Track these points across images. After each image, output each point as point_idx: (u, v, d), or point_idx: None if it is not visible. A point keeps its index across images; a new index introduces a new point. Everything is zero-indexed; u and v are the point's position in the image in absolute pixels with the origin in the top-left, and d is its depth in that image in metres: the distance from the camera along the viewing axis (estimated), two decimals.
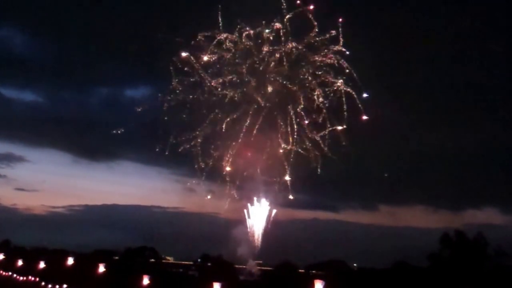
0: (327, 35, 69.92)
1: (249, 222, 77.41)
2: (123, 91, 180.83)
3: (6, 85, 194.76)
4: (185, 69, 71.59)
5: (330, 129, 70.92)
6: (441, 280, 57.46)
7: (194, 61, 71.19)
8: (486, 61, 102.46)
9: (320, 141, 71.40)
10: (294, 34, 70.82)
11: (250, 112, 71.86)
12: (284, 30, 70.33)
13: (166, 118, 72.01)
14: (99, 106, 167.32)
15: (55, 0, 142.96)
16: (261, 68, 72.17)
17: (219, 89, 72.21)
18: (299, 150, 72.16)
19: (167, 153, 72.60)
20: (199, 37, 70.46)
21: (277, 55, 71.54)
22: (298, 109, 71.65)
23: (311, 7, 69.05)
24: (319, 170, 71.83)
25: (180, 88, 71.83)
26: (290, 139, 71.92)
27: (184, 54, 70.49)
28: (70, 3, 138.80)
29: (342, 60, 69.90)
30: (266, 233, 78.11)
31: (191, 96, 72.29)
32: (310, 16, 69.51)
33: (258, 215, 77.22)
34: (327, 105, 71.19)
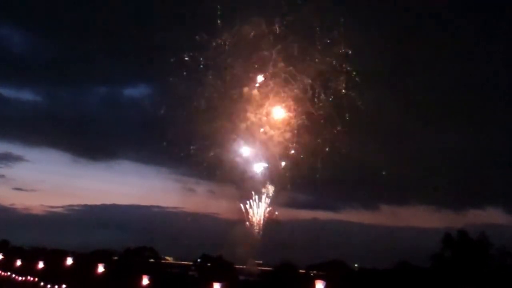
0: (328, 40, 69.33)
1: (249, 223, 77.04)
2: (122, 90, 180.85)
3: (5, 84, 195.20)
4: (185, 69, 71.08)
5: (331, 129, 70.43)
6: (443, 281, 57.14)
7: (194, 61, 70.71)
8: (488, 61, 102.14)
9: (320, 141, 70.98)
10: (295, 34, 70.28)
11: (249, 113, 71.47)
12: (284, 31, 69.74)
13: (165, 117, 71.54)
14: (98, 106, 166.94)
15: (55, 0, 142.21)
16: (260, 70, 71.63)
17: (217, 92, 71.70)
18: (300, 149, 71.75)
19: (166, 154, 72.24)
20: (198, 37, 69.94)
21: (278, 56, 71.03)
22: (298, 110, 71.21)
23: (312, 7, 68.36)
24: (319, 170, 71.34)
25: (179, 88, 71.33)
26: (291, 139, 71.52)
27: (183, 54, 69.97)
28: (69, 2, 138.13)
29: (344, 64, 69.36)
30: (266, 233, 77.77)
31: (190, 96, 71.80)
32: (311, 16, 68.89)
33: (258, 215, 76.84)
34: (328, 105, 70.69)
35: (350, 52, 68.68)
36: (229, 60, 71.07)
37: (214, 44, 70.07)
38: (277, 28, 69.22)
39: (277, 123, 71.94)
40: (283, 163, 72.75)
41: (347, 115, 69.32)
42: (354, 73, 68.29)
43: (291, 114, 71.13)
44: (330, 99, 70.06)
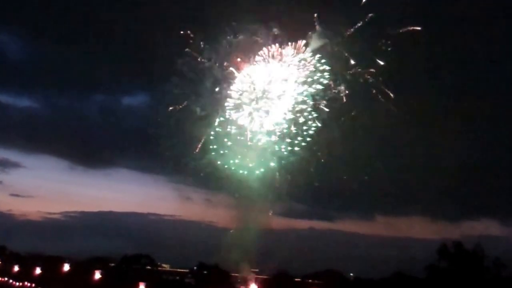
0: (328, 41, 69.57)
1: (246, 230, 77.08)
2: (120, 98, 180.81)
3: (2, 91, 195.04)
4: (182, 78, 71.32)
5: (327, 137, 70.58)
6: None
7: (191, 69, 70.99)
8: (485, 68, 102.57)
9: (317, 149, 71.14)
10: (294, 39, 70.48)
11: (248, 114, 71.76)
12: (282, 35, 69.98)
13: (162, 126, 71.72)
14: (96, 113, 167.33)
15: (52, 6, 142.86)
16: (258, 76, 71.82)
17: (214, 99, 71.94)
18: (296, 159, 71.96)
19: (163, 163, 72.38)
20: (196, 44, 70.24)
21: (276, 61, 71.27)
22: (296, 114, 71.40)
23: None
24: (315, 179, 71.48)
25: (176, 96, 71.62)
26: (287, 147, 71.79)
27: (180, 63, 70.23)
28: (68, 9, 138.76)
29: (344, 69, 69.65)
30: (262, 242, 77.81)
31: (187, 104, 72.11)
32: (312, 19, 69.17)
33: (254, 224, 76.93)
34: (326, 112, 70.86)
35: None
36: (226, 71, 71.58)
37: (210, 52, 70.67)
38: (275, 32, 69.56)
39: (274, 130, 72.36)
40: (278, 172, 73.13)
41: (344, 121, 69.91)
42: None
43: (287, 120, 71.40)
44: (328, 104, 70.46)
